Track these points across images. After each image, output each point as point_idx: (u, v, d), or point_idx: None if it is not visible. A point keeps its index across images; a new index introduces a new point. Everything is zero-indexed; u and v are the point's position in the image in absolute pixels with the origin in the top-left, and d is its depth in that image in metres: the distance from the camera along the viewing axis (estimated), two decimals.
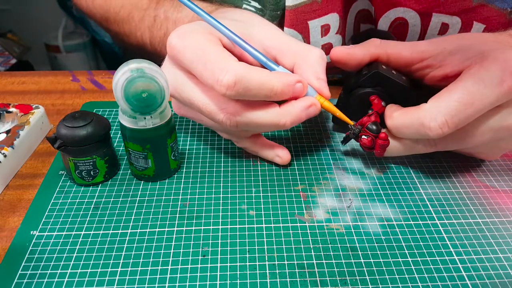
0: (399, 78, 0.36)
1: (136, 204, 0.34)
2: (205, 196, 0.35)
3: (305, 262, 0.30)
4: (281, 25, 0.45)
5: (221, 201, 0.35)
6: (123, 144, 0.37)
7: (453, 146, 0.35)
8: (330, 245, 0.31)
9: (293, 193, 0.36)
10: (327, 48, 0.46)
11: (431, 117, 0.31)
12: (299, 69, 0.34)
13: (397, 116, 0.34)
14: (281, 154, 0.38)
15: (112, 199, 0.35)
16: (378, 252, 0.30)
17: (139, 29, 0.50)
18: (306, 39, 0.45)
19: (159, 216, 0.33)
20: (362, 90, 0.37)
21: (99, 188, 0.36)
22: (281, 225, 0.33)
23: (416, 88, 0.37)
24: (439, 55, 0.34)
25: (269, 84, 0.31)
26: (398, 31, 0.45)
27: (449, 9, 0.42)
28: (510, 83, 0.30)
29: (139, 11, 0.50)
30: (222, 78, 0.30)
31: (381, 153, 0.35)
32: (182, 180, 0.37)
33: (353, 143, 0.41)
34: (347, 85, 0.38)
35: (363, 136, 0.35)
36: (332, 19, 0.44)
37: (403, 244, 0.31)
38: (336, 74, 0.51)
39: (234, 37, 0.34)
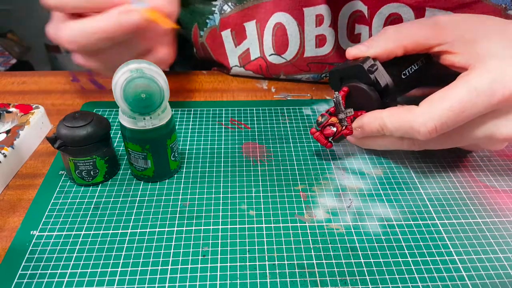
0: (376, 87, 0.36)
1: (136, 204, 0.34)
2: (205, 196, 0.35)
3: (305, 262, 0.30)
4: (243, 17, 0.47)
5: (221, 201, 0.35)
6: (123, 144, 0.37)
7: (435, 147, 0.36)
8: (330, 245, 0.31)
9: (293, 193, 0.36)
10: (320, 40, 0.47)
11: (422, 122, 0.32)
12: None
13: (387, 117, 0.34)
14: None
15: (112, 199, 0.35)
16: (378, 252, 0.30)
17: None
18: (301, 27, 0.46)
19: (159, 216, 0.33)
20: (351, 82, 0.37)
21: (99, 188, 0.36)
22: (281, 225, 0.33)
23: (402, 91, 0.38)
24: (456, 42, 0.34)
25: None
26: None
27: (443, 4, 0.42)
28: (500, 95, 0.31)
29: None
30: None
31: (330, 145, 0.37)
32: (182, 180, 0.37)
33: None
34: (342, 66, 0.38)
35: (330, 127, 0.36)
36: (327, 11, 0.45)
37: (403, 244, 0.31)
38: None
39: None
